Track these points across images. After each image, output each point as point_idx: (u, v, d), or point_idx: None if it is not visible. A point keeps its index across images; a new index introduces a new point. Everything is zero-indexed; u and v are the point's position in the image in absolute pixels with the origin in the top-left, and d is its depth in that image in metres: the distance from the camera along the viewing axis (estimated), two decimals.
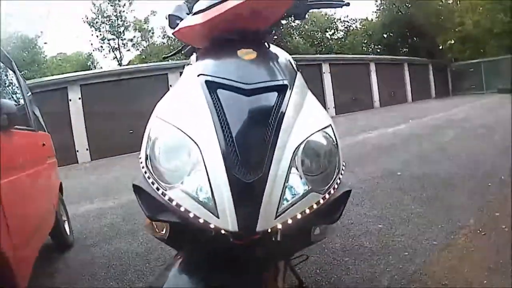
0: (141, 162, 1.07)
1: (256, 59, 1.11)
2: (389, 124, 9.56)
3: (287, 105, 1.01)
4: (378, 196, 3.47)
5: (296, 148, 0.95)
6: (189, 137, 0.94)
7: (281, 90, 1.04)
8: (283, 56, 1.30)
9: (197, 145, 0.92)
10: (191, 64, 1.32)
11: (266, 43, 1.31)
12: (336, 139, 1.06)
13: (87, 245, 3.18)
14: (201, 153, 0.91)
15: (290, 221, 0.91)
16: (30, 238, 1.99)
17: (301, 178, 0.95)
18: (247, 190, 0.87)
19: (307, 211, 0.94)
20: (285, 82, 1.06)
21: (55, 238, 2.84)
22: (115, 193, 4.41)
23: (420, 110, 12.90)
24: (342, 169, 1.08)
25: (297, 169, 0.94)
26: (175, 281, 1.00)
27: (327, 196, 0.99)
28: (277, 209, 0.90)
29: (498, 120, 7.31)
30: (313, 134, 0.99)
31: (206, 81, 1.03)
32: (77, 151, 8.72)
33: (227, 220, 0.86)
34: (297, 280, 1.70)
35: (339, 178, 1.05)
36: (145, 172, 1.03)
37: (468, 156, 4.44)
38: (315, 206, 0.96)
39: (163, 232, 1.14)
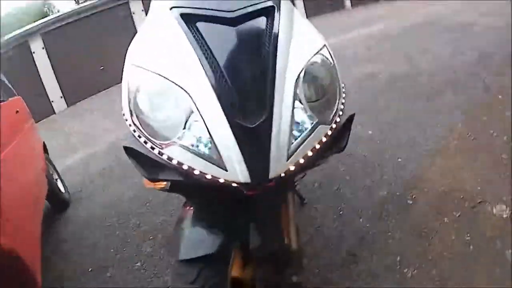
0: (126, 120, 1.03)
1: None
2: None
3: (278, 30, 0.98)
4: (363, 98, 3.52)
5: (296, 78, 0.94)
6: (177, 84, 0.90)
7: (269, 13, 1.01)
8: None
9: (187, 92, 0.89)
10: None
11: None
12: (333, 60, 1.06)
13: (84, 198, 3.19)
14: (194, 101, 0.88)
15: (302, 161, 0.93)
16: (30, 210, 2.12)
17: (306, 112, 0.95)
18: (253, 135, 0.86)
19: (317, 146, 0.96)
20: (271, 2, 1.02)
21: (51, 200, 2.86)
22: (97, 138, 4.28)
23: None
24: (343, 92, 1.10)
25: (300, 102, 0.95)
26: (192, 237, 1.09)
27: (333, 125, 1.01)
28: (288, 150, 0.90)
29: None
30: (310, 59, 0.99)
31: (182, 14, 0.98)
32: (52, 101, 8.89)
33: (236, 172, 0.86)
34: (298, 198, 1.71)
35: (342, 103, 1.07)
36: (134, 131, 1.00)
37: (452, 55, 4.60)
38: (324, 139, 0.98)
39: (164, 184, 1.09)
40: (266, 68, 0.92)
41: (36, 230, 2.07)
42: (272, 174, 0.88)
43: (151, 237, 2.49)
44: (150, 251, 2.38)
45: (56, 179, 3.00)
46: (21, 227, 1.79)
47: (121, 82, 1.08)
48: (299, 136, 0.93)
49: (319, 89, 1.01)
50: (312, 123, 0.96)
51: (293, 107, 0.93)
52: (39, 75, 9.03)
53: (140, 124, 0.97)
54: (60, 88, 7.05)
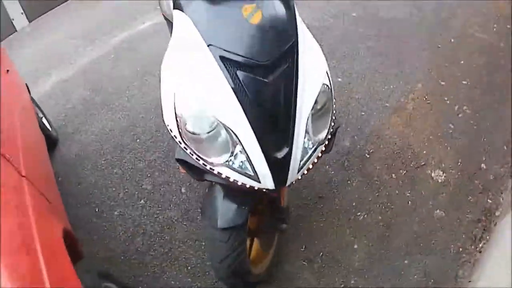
0: (175, 136, 1.41)
1: (263, 20, 1.35)
2: None
3: (298, 70, 1.36)
4: (333, 43, 3.73)
5: (307, 119, 1.37)
6: (225, 126, 1.28)
7: (291, 49, 1.37)
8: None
9: (234, 132, 1.29)
10: None
11: None
12: (331, 84, 1.50)
13: (71, 133, 3.05)
14: (238, 139, 1.29)
15: (306, 172, 1.45)
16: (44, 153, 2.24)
17: (311, 141, 1.42)
18: (279, 163, 1.34)
19: (316, 160, 1.47)
20: (293, 39, 1.39)
21: None
22: (68, 58, 3.83)
23: None
24: (334, 108, 1.54)
25: (308, 134, 1.41)
26: (225, 209, 1.56)
27: (326, 142, 1.52)
28: (298, 169, 1.40)
29: None
30: (318, 94, 1.39)
31: (222, 58, 1.29)
32: (13, 19, 7.00)
33: (266, 184, 1.36)
34: None
35: (332, 121, 1.52)
36: (186, 148, 1.39)
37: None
38: (320, 154, 1.49)
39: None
40: (289, 111, 1.33)
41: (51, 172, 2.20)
42: (288, 183, 1.40)
43: (148, 175, 2.70)
44: (150, 188, 2.63)
45: (42, 117, 2.88)
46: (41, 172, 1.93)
47: None
48: (305, 158, 1.41)
49: (319, 113, 1.44)
50: (314, 147, 1.43)
51: (304, 142, 1.39)
52: None
53: (191, 144, 1.37)
54: (20, 3, 6.25)
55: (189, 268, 2.29)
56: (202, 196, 2.38)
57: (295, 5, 1.53)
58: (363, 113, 3.01)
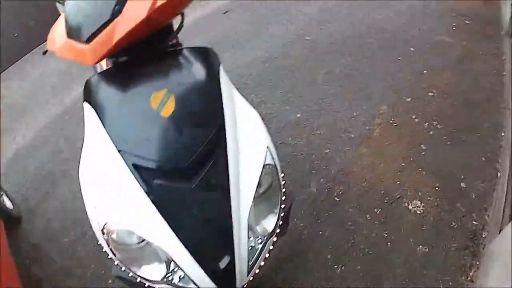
0: (109, 256, 1.35)
1: (177, 109, 1.31)
2: None
3: (228, 162, 1.32)
4: (288, 72, 3.76)
5: (249, 215, 1.33)
6: (153, 244, 1.24)
7: (217, 137, 1.32)
8: (200, 59, 1.52)
9: (167, 254, 1.24)
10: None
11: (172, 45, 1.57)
12: (274, 160, 1.44)
13: (33, 208, 3.07)
14: (170, 256, 1.24)
15: (257, 270, 1.38)
16: None
17: (258, 237, 1.38)
18: (223, 273, 1.27)
19: (267, 255, 1.43)
20: (219, 121, 1.34)
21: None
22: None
23: None
24: (283, 186, 1.48)
25: (253, 231, 1.36)
26: None
27: (276, 229, 1.44)
28: (247, 273, 1.34)
29: None
30: (259, 183, 1.36)
31: (135, 166, 1.25)
32: None
33: None
34: None
35: (281, 201, 1.45)
36: (123, 269, 1.34)
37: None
38: (271, 247, 1.42)
39: None
40: (224, 214, 1.27)
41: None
42: (239, 286, 1.32)
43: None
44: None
45: (1, 194, 2.87)
46: None
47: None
48: (253, 258, 1.36)
49: (264, 196, 1.39)
50: (263, 242, 1.38)
51: (248, 243, 1.33)
52: None
53: (122, 258, 1.30)
54: None
55: None
56: None
57: (220, 68, 1.49)
58: (327, 150, 3.01)
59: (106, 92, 1.41)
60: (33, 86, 4.34)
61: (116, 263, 1.36)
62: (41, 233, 2.89)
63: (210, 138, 1.30)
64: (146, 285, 1.34)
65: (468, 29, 3.95)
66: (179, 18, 1.59)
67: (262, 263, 1.41)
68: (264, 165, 1.38)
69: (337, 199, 2.73)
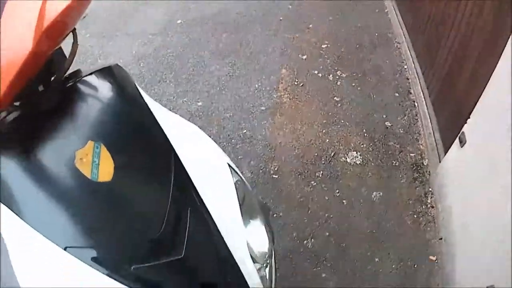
0: None
1: (117, 167, 1.04)
2: None
3: (205, 205, 1.18)
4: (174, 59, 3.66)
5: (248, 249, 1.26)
6: None
7: (179, 176, 1.16)
8: (111, 84, 1.27)
9: None
10: None
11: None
12: (239, 173, 1.40)
13: None
14: None
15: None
16: None
17: (263, 265, 1.32)
18: None
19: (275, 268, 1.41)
20: (172, 158, 1.18)
21: None
22: None
23: None
24: (254, 196, 1.47)
25: (256, 261, 1.28)
26: None
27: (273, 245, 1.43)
28: None
29: None
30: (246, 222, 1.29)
31: (96, 260, 0.96)
32: None
33: None
34: None
35: (259, 209, 1.43)
36: None
37: None
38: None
39: None
40: (229, 265, 1.15)
41: None
42: None
43: None
44: None
45: None
46: None
47: None
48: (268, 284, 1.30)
49: (243, 210, 1.29)
50: (267, 265, 1.33)
51: (258, 274, 1.24)
52: None
53: None
54: None
55: None
56: None
57: (138, 87, 1.29)
58: (244, 131, 3.00)
59: (12, 173, 1.00)
60: None
61: None
62: None
63: (172, 183, 1.10)
64: None
65: None
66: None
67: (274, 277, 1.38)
68: (234, 184, 1.30)
69: (276, 176, 2.75)
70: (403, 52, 3.47)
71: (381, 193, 2.63)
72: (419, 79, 3.14)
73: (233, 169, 1.34)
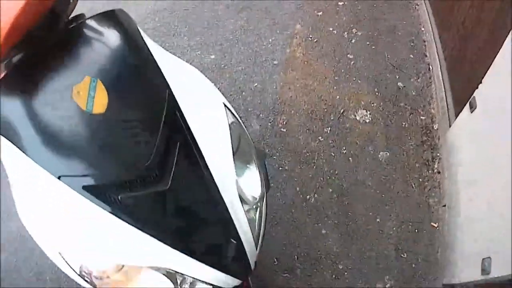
0: None
1: (111, 101, 1.09)
2: None
3: (195, 139, 1.20)
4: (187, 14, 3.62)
5: (236, 186, 1.25)
6: (156, 266, 1.11)
7: (171, 112, 1.17)
8: (113, 26, 1.29)
9: (160, 267, 1.11)
10: None
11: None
12: (235, 115, 1.39)
13: None
14: (173, 270, 1.12)
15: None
16: None
17: (253, 207, 1.34)
18: (233, 260, 1.23)
19: (265, 215, 1.40)
20: (167, 92, 1.19)
21: None
22: None
23: None
24: (249, 138, 1.45)
25: (246, 203, 1.28)
26: None
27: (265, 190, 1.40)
28: (256, 247, 1.32)
29: None
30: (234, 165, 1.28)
31: (87, 188, 1.04)
32: None
33: (229, 284, 1.24)
34: None
35: (257, 155, 1.42)
36: None
37: None
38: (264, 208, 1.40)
39: None
40: (214, 200, 1.18)
41: None
42: (253, 266, 1.30)
43: None
44: None
45: None
46: None
47: None
48: (256, 229, 1.32)
49: (237, 154, 1.30)
50: (257, 209, 1.34)
51: (245, 215, 1.25)
52: None
53: None
54: None
55: None
56: None
57: (140, 30, 1.31)
58: (255, 84, 2.97)
59: (13, 109, 1.08)
60: None
61: None
62: None
63: (164, 119, 1.13)
64: None
65: None
66: None
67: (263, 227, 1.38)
68: (229, 126, 1.30)
69: (284, 130, 2.74)
70: (421, 13, 3.39)
71: (387, 154, 2.62)
72: (435, 42, 3.07)
73: (230, 109, 1.34)
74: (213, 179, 1.17)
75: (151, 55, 1.25)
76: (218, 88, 2.60)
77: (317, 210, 2.41)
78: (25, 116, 1.07)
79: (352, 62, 3.05)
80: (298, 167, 2.57)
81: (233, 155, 1.28)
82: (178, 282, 1.14)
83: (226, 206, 1.19)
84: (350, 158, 2.60)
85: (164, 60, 1.28)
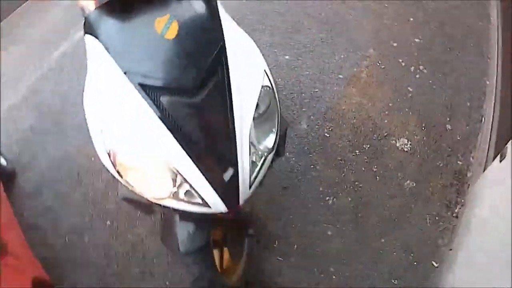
0: (118, 180, 1.52)
1: (180, 32, 1.45)
2: None
3: (230, 79, 1.48)
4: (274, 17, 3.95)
5: (250, 131, 1.49)
6: (161, 159, 1.40)
7: (219, 58, 1.48)
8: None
9: (175, 168, 1.40)
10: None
11: None
12: (272, 84, 1.64)
13: (27, 162, 3.11)
14: (177, 170, 1.39)
15: (258, 185, 1.58)
16: None
17: (258, 153, 1.55)
18: (227, 185, 1.45)
19: (267, 167, 1.61)
20: (220, 44, 1.50)
21: None
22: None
23: None
24: (280, 108, 1.69)
25: (254, 147, 1.53)
26: (185, 233, 1.71)
27: (275, 145, 1.63)
28: (249, 186, 1.53)
29: None
30: (257, 101, 1.52)
31: (141, 85, 1.38)
32: None
33: (217, 207, 1.47)
34: None
35: (279, 121, 1.66)
36: (127, 185, 1.49)
37: None
38: (270, 164, 1.63)
39: None
40: (227, 128, 1.44)
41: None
42: (240, 202, 1.51)
43: (109, 194, 2.86)
44: (114, 207, 2.79)
45: None
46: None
47: None
48: (255, 172, 1.54)
49: (263, 117, 1.56)
50: (263, 158, 1.57)
51: (250, 157, 1.50)
52: None
53: (130, 179, 1.46)
54: None
55: (167, 282, 2.50)
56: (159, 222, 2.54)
57: (217, 2, 1.64)
58: (316, 89, 3.23)
59: (109, 22, 1.48)
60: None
61: (122, 184, 1.53)
62: (37, 186, 2.98)
63: (212, 58, 1.45)
64: (152, 203, 1.51)
65: None
66: None
67: (262, 177, 1.60)
68: (263, 86, 1.56)
69: (327, 135, 2.98)
70: (491, 66, 3.49)
71: (414, 184, 2.79)
72: (495, 95, 3.18)
73: (269, 77, 1.61)
74: (233, 113, 1.45)
75: (219, 15, 1.57)
76: (283, 85, 2.93)
77: (331, 213, 2.64)
78: (116, 27, 1.47)
79: (410, 95, 3.23)
80: (328, 170, 2.80)
81: (261, 113, 1.55)
82: (176, 185, 1.43)
83: (236, 137, 1.45)
84: (377, 177, 2.80)
85: (227, 22, 1.60)
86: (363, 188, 2.74)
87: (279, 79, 3.27)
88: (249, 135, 1.49)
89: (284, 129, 1.71)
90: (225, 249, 2.19)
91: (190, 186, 1.42)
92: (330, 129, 3.01)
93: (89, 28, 1.47)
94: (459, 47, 3.58)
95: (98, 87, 1.49)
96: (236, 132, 1.46)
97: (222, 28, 1.53)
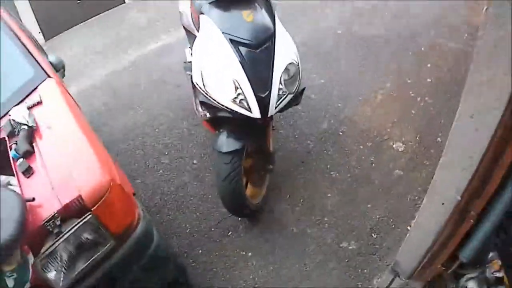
0: (201, 88, 2.64)
1: (254, 19, 2.61)
2: None
3: (275, 49, 2.61)
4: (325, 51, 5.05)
5: (281, 76, 2.55)
6: (234, 79, 2.47)
7: (271, 36, 2.61)
8: (266, 7, 2.82)
9: (238, 82, 2.47)
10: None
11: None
12: (298, 61, 2.74)
13: (95, 129, 3.49)
14: (240, 86, 2.46)
15: (280, 109, 2.63)
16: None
17: (284, 90, 2.62)
18: (263, 100, 2.49)
19: (286, 102, 2.64)
20: (272, 30, 2.63)
21: None
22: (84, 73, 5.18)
23: None
24: (300, 77, 2.75)
25: (282, 84, 2.60)
26: (227, 139, 2.70)
27: (295, 93, 2.70)
28: (276, 105, 2.55)
29: None
30: (288, 65, 2.64)
31: (231, 40, 2.50)
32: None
33: (255, 113, 2.48)
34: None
35: (299, 83, 2.73)
36: (206, 94, 2.59)
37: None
38: (290, 99, 2.64)
39: (208, 116, 2.79)
40: (270, 72, 2.53)
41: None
42: (269, 114, 2.53)
43: (166, 153, 3.91)
44: (167, 162, 3.82)
45: None
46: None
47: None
48: (280, 99, 2.56)
49: (290, 80, 2.64)
50: (285, 93, 2.59)
51: (279, 89, 2.53)
52: (18, 12, 8.65)
53: (209, 92, 2.57)
54: (38, 23, 7.02)
55: (197, 214, 3.41)
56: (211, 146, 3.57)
57: (275, 10, 2.77)
58: (339, 104, 4.19)
59: (215, 8, 2.69)
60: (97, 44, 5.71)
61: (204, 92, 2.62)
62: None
63: (268, 35, 2.61)
64: (219, 104, 2.55)
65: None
66: None
67: (284, 106, 2.66)
68: (293, 60, 2.64)
69: (340, 133, 3.90)
70: None
71: (401, 173, 3.56)
72: None
73: (297, 57, 2.75)
74: (274, 63, 2.63)
75: (274, 15, 2.79)
76: (315, 99, 4.00)
77: (333, 182, 3.52)
78: (219, 11, 2.69)
79: (412, 115, 4.03)
80: (336, 154, 3.74)
81: (288, 78, 2.67)
82: (236, 93, 2.46)
83: (273, 76, 2.56)
84: (373, 164, 3.64)
85: (277, 20, 2.80)
86: (360, 169, 3.57)
87: (313, 95, 4.28)
88: (280, 77, 2.55)
89: (302, 88, 2.76)
90: (250, 180, 3.10)
91: (243, 95, 2.44)
92: (343, 130, 3.91)
93: (203, 11, 2.71)
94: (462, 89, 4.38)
95: (204, 42, 2.65)
96: (274, 73, 2.51)
97: (275, 24, 2.69)
